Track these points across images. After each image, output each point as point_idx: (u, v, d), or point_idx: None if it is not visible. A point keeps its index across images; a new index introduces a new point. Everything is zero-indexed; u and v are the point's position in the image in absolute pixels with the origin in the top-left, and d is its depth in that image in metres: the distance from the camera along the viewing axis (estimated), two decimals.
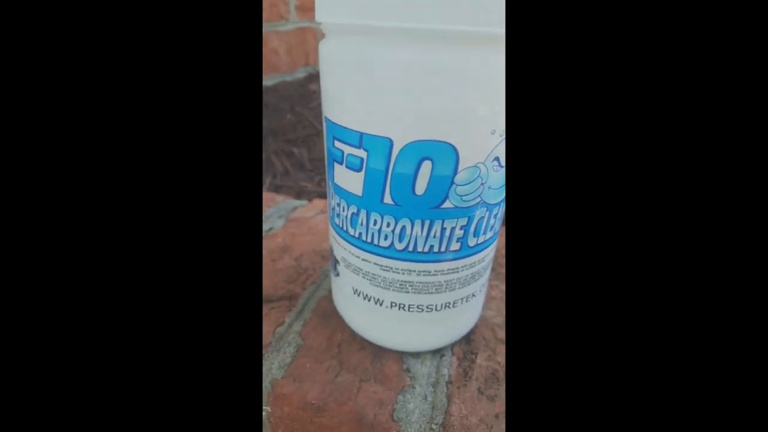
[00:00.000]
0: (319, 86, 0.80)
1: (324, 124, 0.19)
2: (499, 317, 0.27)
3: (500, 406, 0.21)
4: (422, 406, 0.21)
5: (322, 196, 0.44)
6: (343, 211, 0.19)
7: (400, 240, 0.18)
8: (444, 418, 0.20)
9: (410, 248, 0.18)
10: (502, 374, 0.22)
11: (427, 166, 0.16)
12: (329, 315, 0.26)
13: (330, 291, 0.28)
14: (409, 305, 0.20)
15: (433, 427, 0.20)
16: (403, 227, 0.18)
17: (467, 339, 0.24)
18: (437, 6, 0.13)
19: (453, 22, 0.14)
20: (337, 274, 0.23)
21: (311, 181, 0.46)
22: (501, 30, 0.14)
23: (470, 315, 0.23)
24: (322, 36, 0.18)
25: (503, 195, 0.19)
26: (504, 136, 0.16)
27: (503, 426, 0.20)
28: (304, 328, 0.25)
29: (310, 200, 0.40)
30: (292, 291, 0.28)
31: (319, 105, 0.70)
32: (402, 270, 0.19)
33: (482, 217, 0.18)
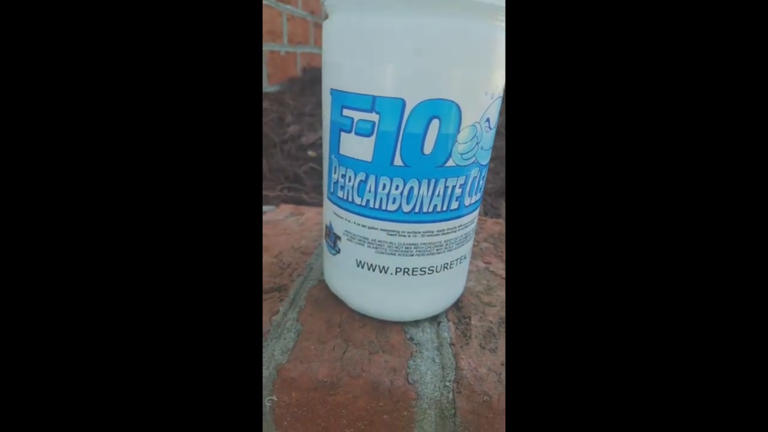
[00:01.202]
0: (270, 103, 0.78)
1: (328, 98, 0.20)
2: (479, 286, 0.29)
3: (502, 356, 0.22)
4: (433, 367, 0.22)
5: (287, 201, 0.44)
6: (349, 181, 0.20)
7: (408, 201, 0.19)
8: (455, 374, 0.21)
9: (416, 209, 0.20)
10: (497, 330, 0.24)
11: (435, 124, 0.18)
12: (323, 301, 0.26)
13: (320, 281, 0.28)
14: (413, 269, 0.21)
15: (447, 383, 0.21)
16: (411, 188, 0.19)
17: (457, 306, 0.26)
18: None
19: None
20: (337, 251, 0.23)
21: (273, 189, 0.45)
22: (496, 1, 0.16)
23: (461, 279, 0.25)
24: (326, 17, 0.19)
25: (489, 157, 0.21)
26: (494, 99, 0.19)
27: None
28: (301, 315, 0.24)
29: (276, 205, 0.40)
30: (280, 283, 0.27)
31: (272, 120, 0.69)
32: (408, 233, 0.20)
33: (475, 177, 0.21)
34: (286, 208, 0.40)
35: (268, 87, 0.93)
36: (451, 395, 0.20)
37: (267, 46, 0.91)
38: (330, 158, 0.21)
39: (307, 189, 0.48)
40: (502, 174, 0.62)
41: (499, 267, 0.32)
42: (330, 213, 0.23)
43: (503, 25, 0.19)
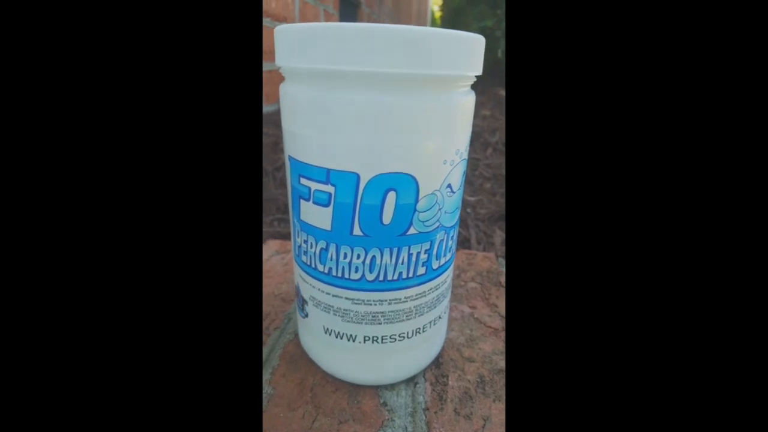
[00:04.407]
0: (266, 126, 0.78)
1: (288, 164, 0.19)
2: (461, 337, 0.28)
3: (477, 422, 0.21)
4: None
5: (275, 237, 0.43)
6: (311, 247, 0.19)
7: (371, 270, 0.19)
8: None
9: (380, 278, 0.19)
10: (474, 391, 0.23)
11: (392, 196, 0.17)
12: (298, 359, 0.25)
13: (296, 334, 0.27)
14: (382, 337, 0.20)
15: None
16: (373, 257, 0.18)
17: (437, 363, 0.25)
18: (388, 51, 0.15)
19: (402, 66, 0.15)
20: (305, 315, 0.22)
21: (263, 222, 0.45)
22: (447, 72, 0.16)
23: (438, 338, 0.24)
24: (282, 79, 0.19)
25: (456, 218, 0.21)
26: (455, 164, 0.18)
27: None
28: (273, 377, 0.24)
29: (264, 241, 0.39)
30: None
31: (267, 146, 0.70)
32: (374, 301, 0.19)
33: (442, 240, 0.20)
34: (273, 245, 0.39)
35: (264, 107, 0.94)
36: None
37: (265, 66, 0.92)
38: (293, 221, 0.21)
39: None
40: (498, 197, 0.61)
41: (485, 313, 0.31)
42: (297, 275, 0.22)
43: (467, 89, 0.18)
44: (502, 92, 1.51)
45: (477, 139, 0.91)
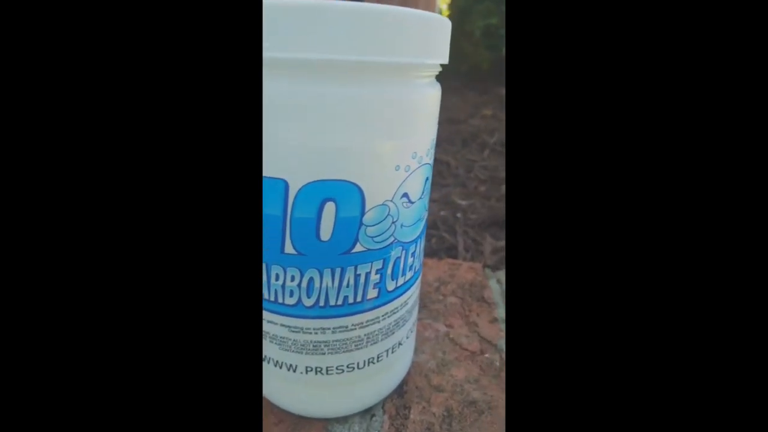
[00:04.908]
0: None
1: None
2: (432, 361, 0.25)
3: None
4: None
5: None
6: None
7: (309, 295, 0.16)
8: None
9: (321, 303, 0.16)
10: (437, 427, 0.20)
11: (330, 208, 0.14)
12: None
13: None
14: (327, 368, 0.18)
15: None
16: (311, 279, 0.15)
17: (399, 391, 0.22)
18: (329, 32, 0.12)
19: (348, 52, 0.12)
20: None
21: None
22: (404, 59, 0.13)
23: (400, 366, 0.21)
24: None
25: (419, 231, 0.18)
26: (412, 170, 0.15)
27: None
28: None
29: None
30: None
31: None
32: (314, 329, 0.16)
33: (398, 257, 0.17)
34: None
35: None
36: None
37: None
38: None
39: None
40: (494, 201, 0.57)
41: (462, 333, 0.28)
42: None
43: (430, 80, 0.15)
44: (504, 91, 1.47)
45: (474, 139, 0.88)
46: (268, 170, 0.14)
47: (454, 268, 0.36)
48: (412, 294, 0.19)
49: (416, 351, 0.25)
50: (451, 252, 0.43)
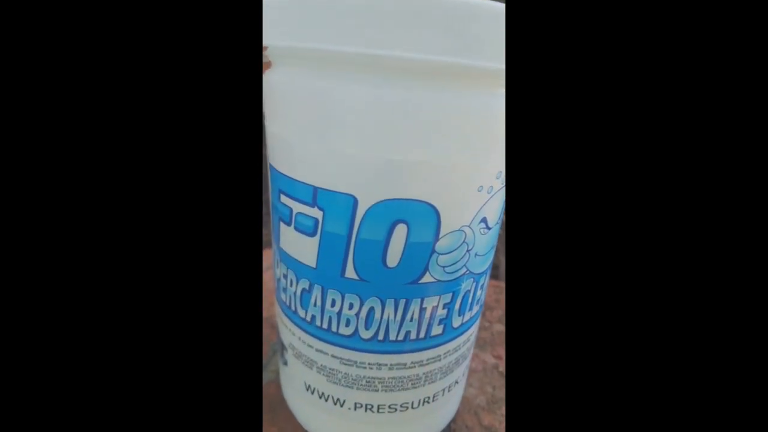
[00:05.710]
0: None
1: (269, 173, 0.15)
2: (481, 396, 0.22)
3: None
4: None
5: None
6: (291, 285, 0.15)
7: (367, 326, 0.14)
8: None
9: (380, 336, 0.14)
10: None
11: (401, 231, 0.12)
12: (277, 406, 0.20)
13: (279, 373, 0.23)
14: (379, 406, 0.16)
15: None
16: (371, 309, 0.14)
17: (447, 430, 0.20)
18: (415, 28, 0.10)
19: (435, 52, 0.10)
20: (285, 363, 0.18)
21: (266, 225, 0.41)
22: (496, 65, 0.11)
23: (452, 404, 0.19)
24: (268, 64, 0.14)
25: (490, 260, 0.15)
26: (494, 192, 0.13)
27: None
28: None
29: (264, 247, 0.35)
30: None
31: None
32: (369, 364, 0.15)
33: (468, 291, 0.15)
34: (271, 254, 0.35)
35: None
36: None
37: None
38: (273, 245, 0.16)
39: None
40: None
41: None
42: (276, 314, 0.17)
43: (503, 92, 0.13)
44: None
45: None
46: (336, 184, 0.12)
47: (499, 291, 0.34)
48: (475, 330, 0.17)
49: (465, 386, 0.23)
50: (494, 272, 0.41)
